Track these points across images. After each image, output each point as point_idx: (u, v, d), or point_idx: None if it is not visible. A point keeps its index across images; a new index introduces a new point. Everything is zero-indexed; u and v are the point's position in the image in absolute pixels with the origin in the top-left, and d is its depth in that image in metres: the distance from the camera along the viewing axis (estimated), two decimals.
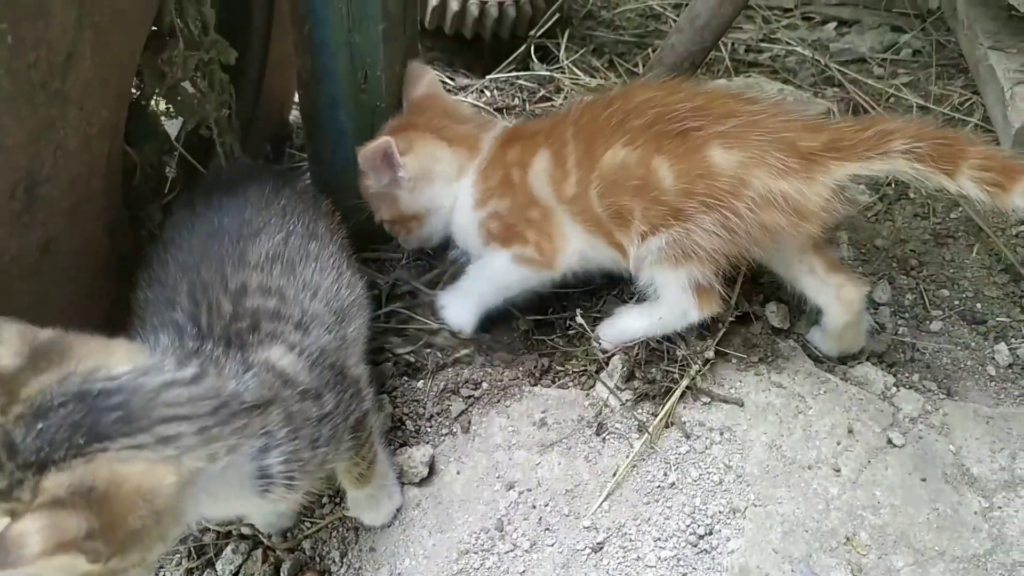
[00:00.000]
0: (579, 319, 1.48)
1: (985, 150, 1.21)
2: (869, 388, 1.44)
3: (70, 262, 1.13)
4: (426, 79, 1.54)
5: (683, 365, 1.38)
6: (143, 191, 1.34)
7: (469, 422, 1.42)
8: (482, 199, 1.47)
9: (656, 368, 1.40)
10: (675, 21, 2.33)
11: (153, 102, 1.30)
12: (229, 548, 1.30)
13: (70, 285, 1.15)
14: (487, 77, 2.03)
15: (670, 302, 1.37)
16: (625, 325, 1.44)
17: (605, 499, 1.28)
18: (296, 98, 1.99)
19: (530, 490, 1.31)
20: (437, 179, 1.49)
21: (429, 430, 1.42)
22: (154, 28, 1.22)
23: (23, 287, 1.04)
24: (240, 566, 1.29)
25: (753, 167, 1.25)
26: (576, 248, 1.43)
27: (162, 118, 1.37)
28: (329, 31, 1.41)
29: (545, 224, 1.42)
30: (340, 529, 1.32)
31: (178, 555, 1.31)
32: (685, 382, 1.36)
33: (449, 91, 2.09)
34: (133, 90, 1.21)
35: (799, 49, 2.20)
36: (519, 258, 1.44)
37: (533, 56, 2.08)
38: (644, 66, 2.14)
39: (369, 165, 1.43)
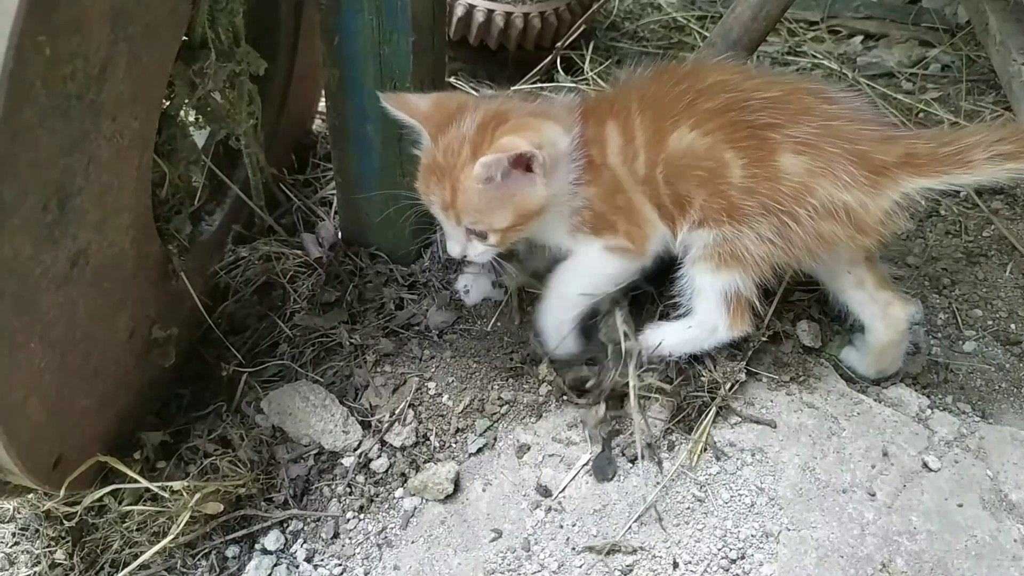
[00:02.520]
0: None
1: None
2: (903, 410, 1.41)
3: (98, 274, 1.12)
4: (411, 96, 1.35)
5: (713, 386, 1.36)
6: (171, 202, 1.33)
7: (495, 438, 1.40)
8: (578, 178, 1.32)
9: (686, 389, 1.37)
10: (700, 33, 2.31)
11: (183, 113, 1.29)
12: (252, 564, 1.28)
13: (98, 297, 1.14)
14: (511, 88, 2.01)
15: (703, 313, 1.35)
16: (653, 338, 1.41)
17: (635, 520, 1.26)
18: (320, 107, 1.99)
19: (558, 510, 1.29)
20: (559, 164, 1.28)
21: (455, 445, 1.40)
22: (185, 39, 1.21)
23: (51, 299, 1.03)
24: None
25: (820, 176, 1.23)
26: (660, 232, 1.36)
27: (191, 129, 1.36)
28: (358, 43, 1.40)
29: (629, 210, 1.35)
30: (364, 545, 1.30)
31: (200, 569, 1.30)
32: (717, 402, 1.34)
33: None
34: (163, 101, 1.20)
35: (826, 62, 2.18)
36: (612, 248, 1.36)
37: (559, 67, 2.06)
38: None
39: (498, 172, 1.22)
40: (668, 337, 1.39)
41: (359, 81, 1.45)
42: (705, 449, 1.32)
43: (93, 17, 0.93)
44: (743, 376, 1.37)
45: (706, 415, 1.33)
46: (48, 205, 0.95)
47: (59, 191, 0.96)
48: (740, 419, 1.36)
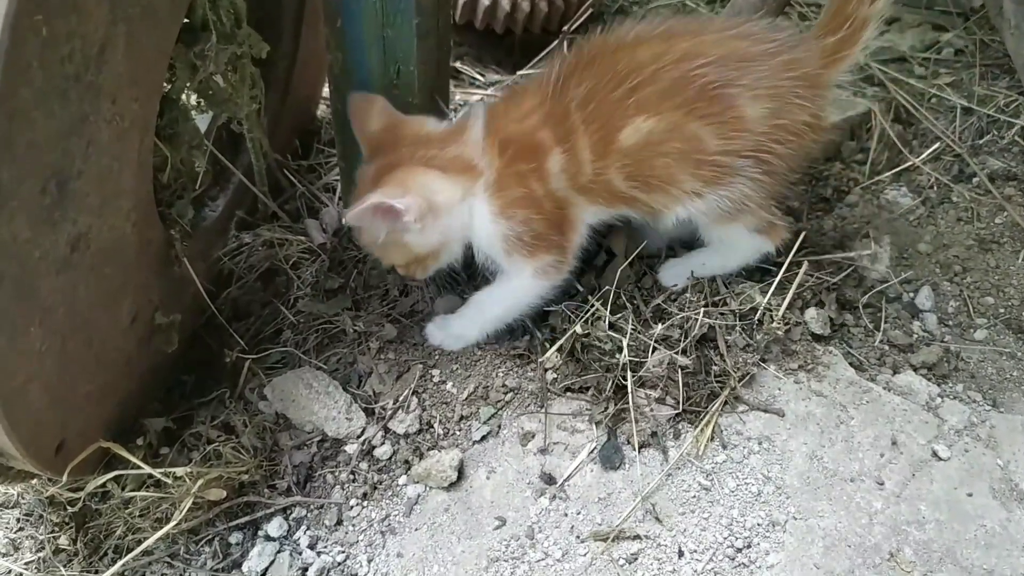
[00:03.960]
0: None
1: None
2: (913, 398, 1.39)
3: (98, 259, 1.11)
4: (376, 107, 1.35)
5: (723, 376, 1.34)
6: (173, 187, 1.32)
7: (499, 426, 1.39)
8: (503, 210, 1.32)
9: (694, 377, 1.35)
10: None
11: (184, 96, 1.27)
12: (256, 550, 1.28)
13: (98, 282, 1.13)
14: (518, 73, 1.99)
15: (740, 247, 1.46)
16: (695, 263, 1.48)
17: (638, 507, 1.25)
18: (325, 93, 1.98)
19: (562, 498, 1.28)
20: (443, 209, 1.30)
21: (458, 433, 1.39)
22: (186, 21, 1.20)
23: (51, 283, 1.02)
24: (266, 570, 1.27)
25: (782, 111, 1.30)
26: (584, 229, 1.41)
27: (192, 113, 1.34)
28: (362, 26, 1.38)
29: (564, 223, 1.38)
30: (368, 532, 1.30)
31: (203, 556, 1.29)
32: (726, 393, 1.32)
33: (479, 87, 2.06)
34: (164, 84, 1.19)
35: None
36: (542, 271, 1.39)
37: (566, 51, 2.03)
38: None
39: (366, 223, 1.31)
40: (709, 259, 1.48)
41: (362, 64, 1.43)
42: (712, 438, 1.31)
43: None
44: (755, 369, 1.35)
45: (714, 404, 1.32)
46: (47, 188, 0.94)
47: (58, 174, 0.95)
48: (747, 407, 1.34)
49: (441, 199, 1.29)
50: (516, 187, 1.32)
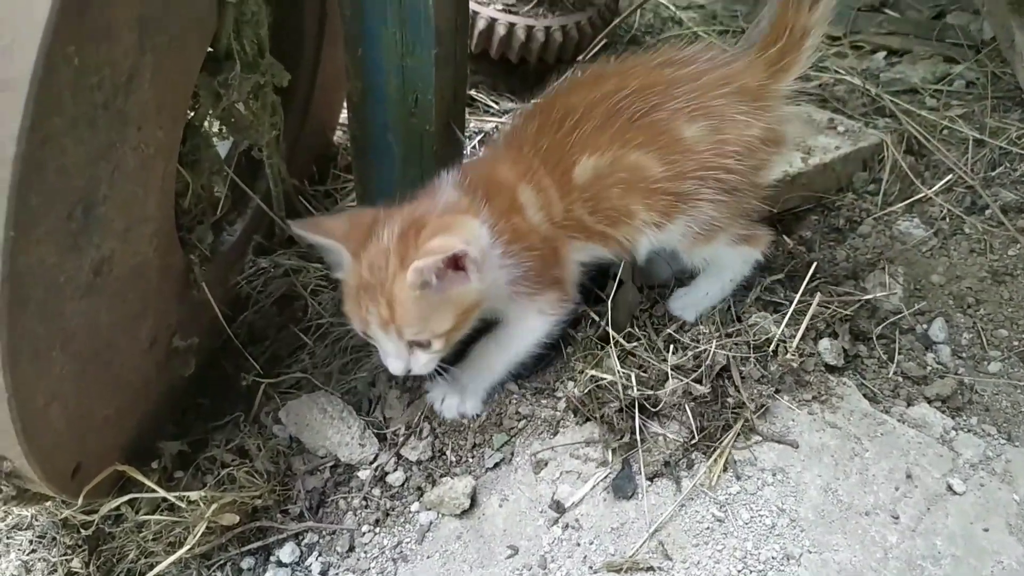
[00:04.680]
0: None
1: None
2: (927, 431, 1.39)
3: (120, 283, 1.13)
4: (329, 219, 1.31)
5: (738, 407, 1.34)
6: (193, 212, 1.34)
7: (512, 453, 1.39)
8: (507, 248, 1.29)
9: (708, 408, 1.35)
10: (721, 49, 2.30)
11: (206, 123, 1.30)
12: None
13: (119, 305, 1.14)
14: (532, 102, 2.01)
15: (728, 264, 1.46)
16: (698, 295, 1.49)
17: (651, 538, 1.24)
18: (342, 119, 2.00)
19: (575, 527, 1.28)
20: (488, 254, 1.25)
21: (471, 460, 1.39)
22: (210, 50, 1.22)
23: (74, 307, 1.03)
24: None
25: (724, 127, 1.31)
26: (575, 267, 1.42)
27: (214, 139, 1.36)
28: (382, 54, 1.41)
29: (557, 260, 1.38)
30: (380, 560, 1.29)
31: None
32: (740, 424, 1.32)
33: (493, 115, 2.08)
34: (188, 111, 1.21)
35: (848, 78, 2.16)
36: (547, 309, 1.39)
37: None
38: None
39: (432, 276, 1.18)
40: (711, 287, 1.48)
41: (382, 92, 1.45)
42: (725, 468, 1.30)
43: (121, 27, 0.94)
44: (770, 400, 1.35)
45: (728, 435, 1.32)
46: (73, 213, 0.95)
47: (84, 199, 0.97)
48: (761, 438, 1.34)
49: (485, 241, 1.24)
50: (506, 223, 1.29)
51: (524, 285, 1.33)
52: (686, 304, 1.51)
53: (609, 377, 1.36)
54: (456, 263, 1.19)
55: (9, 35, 0.81)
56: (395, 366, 1.29)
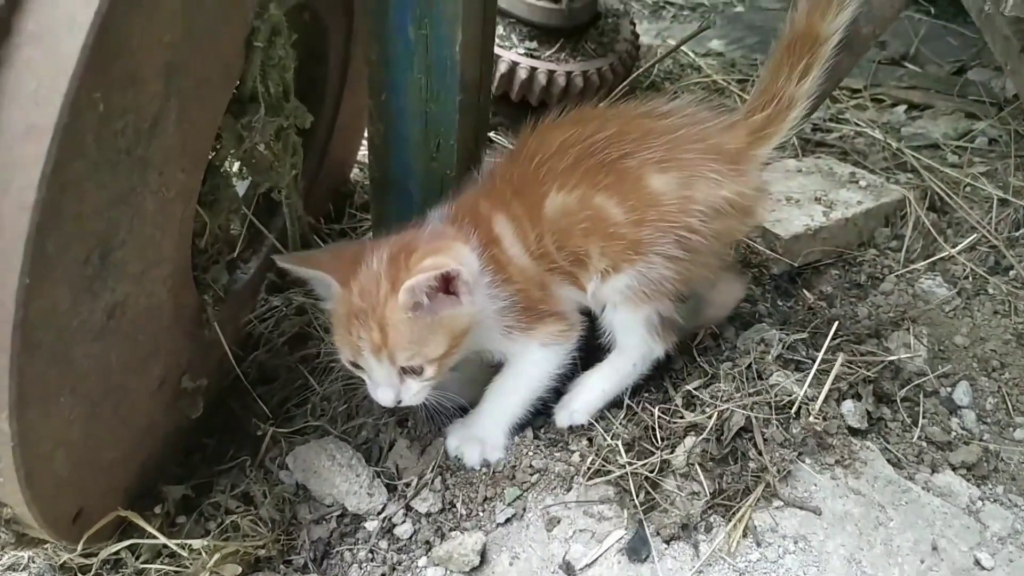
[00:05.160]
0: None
1: None
2: (953, 500, 1.34)
3: (134, 325, 1.10)
4: (314, 252, 1.36)
5: (760, 471, 1.30)
6: (210, 252, 1.32)
7: (524, 508, 1.35)
8: (493, 280, 1.29)
9: (727, 469, 1.32)
10: (740, 96, 2.30)
11: (227, 164, 1.28)
12: None
13: (131, 348, 1.12)
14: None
15: (633, 346, 1.40)
16: (591, 392, 1.42)
17: None
18: (359, 155, 2.00)
19: None
20: (477, 278, 1.25)
21: (482, 514, 1.35)
22: (235, 93, 1.21)
23: (85, 351, 1.01)
24: None
25: (693, 183, 1.29)
26: (570, 304, 1.39)
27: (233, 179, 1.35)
28: (405, 100, 1.40)
29: (549, 292, 1.36)
30: None
31: None
32: (761, 488, 1.28)
33: None
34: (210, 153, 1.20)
35: (868, 131, 2.15)
36: (549, 341, 1.35)
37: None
38: None
39: (423, 296, 1.18)
40: (604, 382, 1.42)
41: (404, 137, 1.44)
42: (745, 534, 1.26)
43: (148, 73, 0.93)
44: (792, 464, 1.31)
45: (748, 498, 1.28)
46: (90, 258, 0.93)
47: (102, 244, 0.95)
48: (783, 503, 1.30)
49: (475, 264, 1.24)
50: (488, 254, 1.29)
51: (514, 318, 1.31)
52: (577, 408, 1.43)
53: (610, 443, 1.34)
54: (447, 285, 1.20)
55: (35, 80, 0.80)
56: (385, 396, 1.26)
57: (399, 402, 1.27)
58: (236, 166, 1.35)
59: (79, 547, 1.17)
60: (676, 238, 1.29)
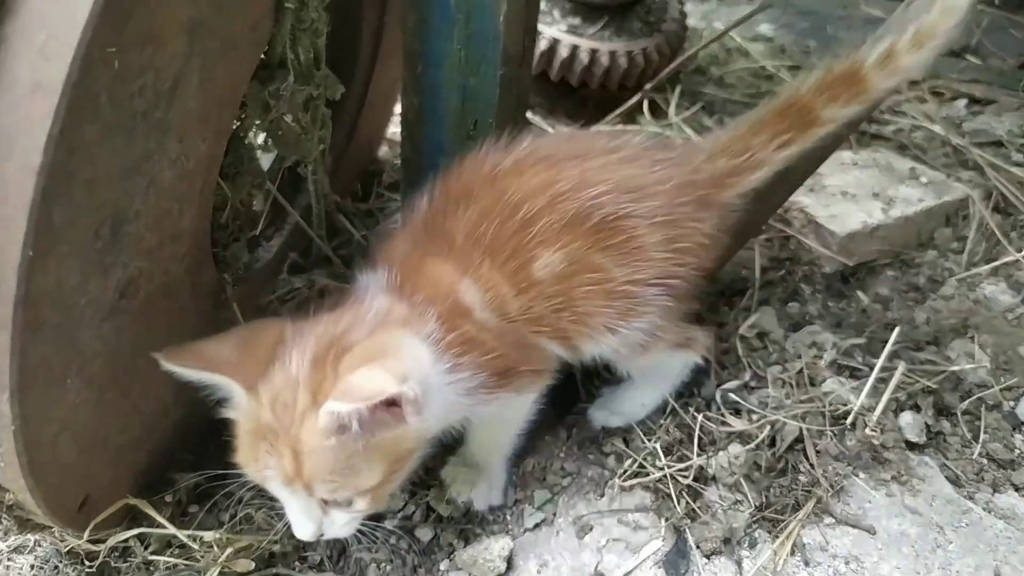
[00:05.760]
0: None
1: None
2: (1017, 524, 1.24)
3: (148, 304, 1.03)
4: (211, 343, 1.02)
5: (811, 484, 1.21)
6: (230, 228, 1.24)
7: (555, 514, 1.27)
8: (454, 366, 1.04)
9: (775, 481, 1.23)
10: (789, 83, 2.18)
11: (251, 135, 1.20)
12: None
13: (144, 328, 1.05)
14: (592, 128, 1.91)
15: (668, 371, 1.34)
16: (633, 406, 1.35)
17: None
18: (388, 134, 1.92)
19: None
20: (431, 383, 0.97)
21: (509, 519, 1.27)
22: (263, 58, 1.13)
23: (94, 332, 0.94)
24: None
25: (683, 236, 1.19)
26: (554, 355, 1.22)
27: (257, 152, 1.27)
28: (443, 73, 1.31)
29: (525, 348, 1.16)
30: None
31: None
32: (811, 503, 1.19)
33: None
34: (234, 122, 1.12)
35: (928, 125, 2.03)
36: (524, 389, 1.17)
37: (646, 111, 1.95)
38: None
39: (354, 420, 0.90)
40: (646, 396, 1.35)
41: (440, 112, 1.35)
42: (792, 551, 1.17)
43: (169, 29, 0.85)
44: (846, 481, 1.22)
45: (797, 514, 1.19)
46: (100, 231, 0.86)
47: (114, 215, 0.87)
48: (835, 520, 1.20)
49: (427, 366, 0.97)
50: (454, 332, 1.05)
51: (484, 391, 1.07)
52: (614, 413, 1.35)
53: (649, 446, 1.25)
54: (388, 403, 0.91)
55: (44, 33, 0.72)
56: (303, 530, 1.01)
57: (321, 535, 1.03)
58: (261, 138, 1.27)
59: (85, 535, 1.11)
60: (667, 288, 1.19)
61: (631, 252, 1.16)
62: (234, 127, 1.15)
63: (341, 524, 1.02)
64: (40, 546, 1.30)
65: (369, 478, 0.97)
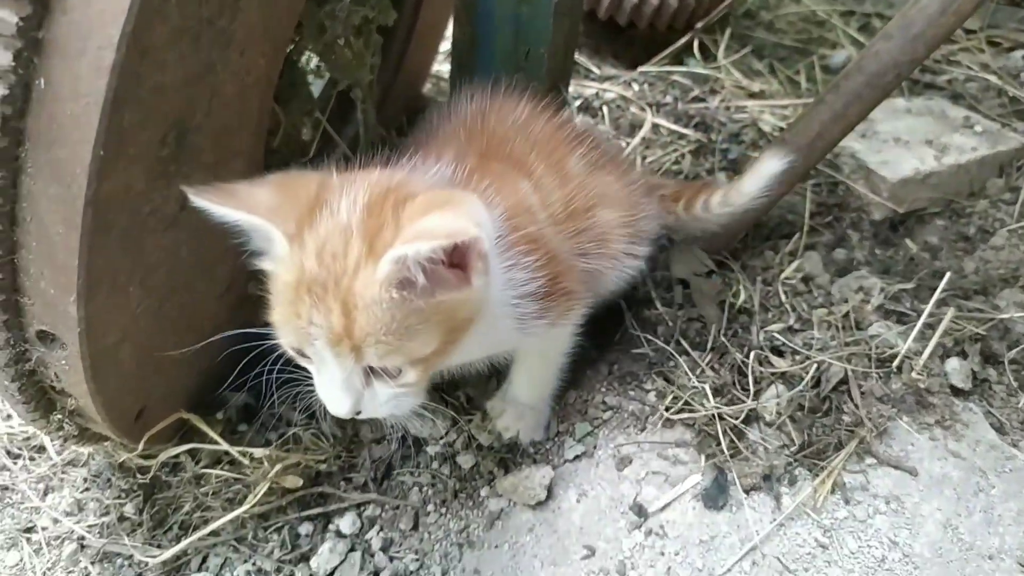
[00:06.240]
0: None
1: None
2: None
3: (204, 220, 1.04)
4: (246, 186, 0.89)
5: (854, 424, 1.21)
6: (283, 153, 1.25)
7: (595, 446, 1.28)
8: (513, 265, 0.99)
9: (819, 421, 1.23)
10: (843, 30, 2.13)
11: (304, 59, 1.20)
12: (326, 546, 1.20)
13: (201, 245, 1.06)
14: (638, 70, 1.88)
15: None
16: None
17: (745, 557, 1.13)
18: (433, 70, 1.90)
19: (659, 534, 1.17)
20: (495, 264, 0.92)
21: (550, 449, 1.29)
22: None
23: (156, 241, 0.95)
24: (336, 568, 1.19)
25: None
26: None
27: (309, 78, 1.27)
28: (496, 2, 1.29)
29: (569, 270, 1.12)
30: (444, 543, 1.21)
31: (271, 544, 1.22)
32: (854, 443, 1.19)
33: (594, 79, 1.94)
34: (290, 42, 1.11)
35: (983, 75, 1.97)
36: (563, 321, 1.12)
37: (696, 52, 1.91)
38: (807, 76, 1.96)
39: (419, 272, 0.81)
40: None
41: (491, 42, 1.34)
42: (833, 490, 1.18)
43: None
44: (889, 422, 1.22)
45: (840, 454, 1.19)
46: (166, 138, 0.86)
47: (179, 124, 0.88)
48: (876, 461, 1.21)
49: (491, 230, 0.88)
50: (514, 224, 0.99)
51: (532, 307, 1.02)
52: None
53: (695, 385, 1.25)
54: (455, 257, 0.82)
55: None
56: (339, 403, 0.89)
57: (357, 413, 0.91)
58: (313, 62, 1.26)
59: (140, 446, 1.14)
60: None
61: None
62: (288, 50, 1.14)
63: (383, 400, 0.90)
64: (93, 459, 1.34)
65: (425, 344, 0.86)
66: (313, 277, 0.83)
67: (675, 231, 1.46)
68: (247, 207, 0.84)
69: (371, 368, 0.88)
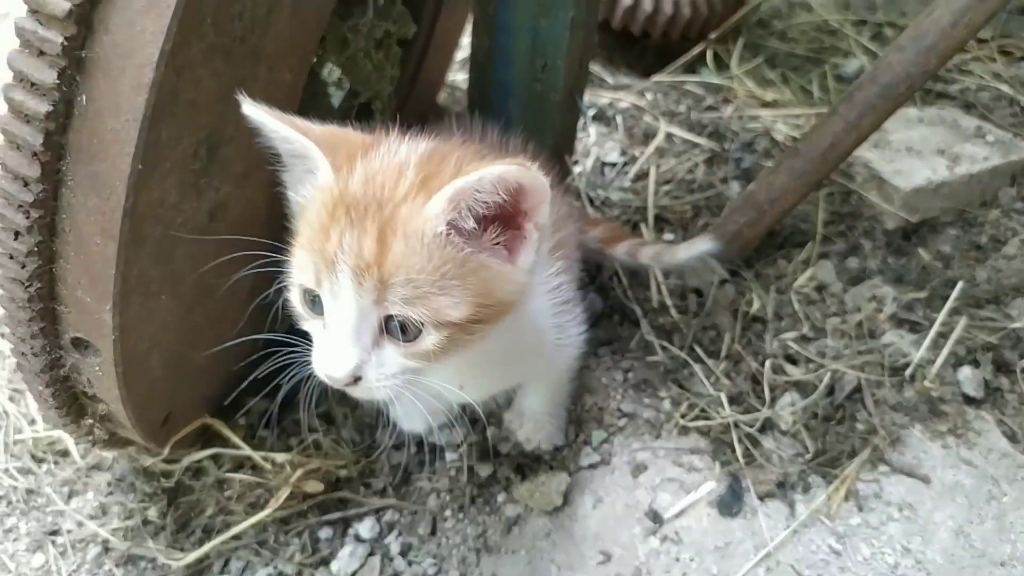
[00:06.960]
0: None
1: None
2: None
3: (232, 230, 1.06)
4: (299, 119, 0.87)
5: (868, 432, 1.22)
6: None
7: (611, 453, 1.30)
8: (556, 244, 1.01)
9: (833, 429, 1.24)
10: (855, 40, 2.15)
11: (325, 71, 1.22)
12: (346, 551, 1.22)
13: (228, 253, 1.07)
14: (652, 79, 1.90)
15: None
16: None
17: (759, 564, 1.14)
18: (448, 79, 1.92)
19: (674, 540, 1.19)
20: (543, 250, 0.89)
21: (566, 456, 1.30)
22: None
23: (187, 251, 0.97)
24: (356, 572, 1.20)
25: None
26: None
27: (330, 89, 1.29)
28: (515, 13, 1.32)
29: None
30: (462, 548, 1.22)
31: (292, 548, 1.24)
32: (868, 451, 1.21)
33: (607, 88, 1.96)
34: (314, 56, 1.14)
35: (995, 84, 1.98)
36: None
37: (709, 62, 1.93)
38: (819, 85, 1.98)
39: (469, 219, 0.78)
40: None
41: (509, 53, 1.36)
42: (847, 497, 1.20)
43: None
44: (902, 430, 1.23)
45: (853, 461, 1.20)
46: (198, 152, 0.89)
47: (210, 138, 0.90)
48: (890, 468, 1.22)
49: (548, 217, 0.83)
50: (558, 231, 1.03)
51: (569, 317, 1.03)
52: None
53: (710, 393, 1.26)
54: (507, 214, 0.78)
55: None
56: (342, 359, 0.79)
57: (356, 379, 0.80)
58: (335, 75, 1.28)
59: (165, 451, 1.16)
60: None
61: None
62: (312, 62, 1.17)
63: (389, 371, 0.80)
64: (117, 463, 1.36)
65: (454, 306, 0.78)
66: (355, 199, 0.77)
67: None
68: (300, 129, 0.82)
69: (386, 324, 0.79)
